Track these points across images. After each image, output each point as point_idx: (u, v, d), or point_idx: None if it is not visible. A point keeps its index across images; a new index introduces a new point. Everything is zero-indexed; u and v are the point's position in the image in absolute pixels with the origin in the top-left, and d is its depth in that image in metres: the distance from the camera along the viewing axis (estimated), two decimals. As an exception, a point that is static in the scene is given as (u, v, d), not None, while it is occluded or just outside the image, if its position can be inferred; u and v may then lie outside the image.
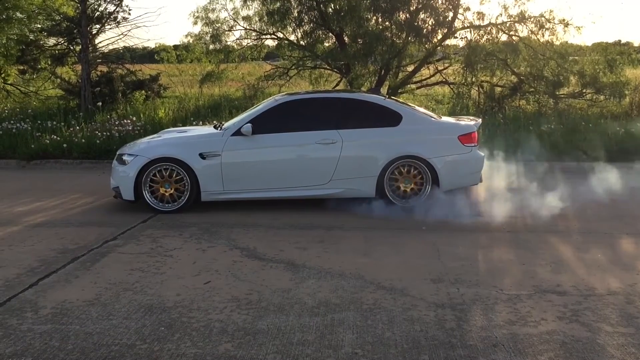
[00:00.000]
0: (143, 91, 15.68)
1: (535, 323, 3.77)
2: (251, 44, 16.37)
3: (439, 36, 14.38)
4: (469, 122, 7.42)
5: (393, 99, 8.15)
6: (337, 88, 14.79)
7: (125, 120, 12.16)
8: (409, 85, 15.40)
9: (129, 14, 19.03)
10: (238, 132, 6.92)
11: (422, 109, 7.93)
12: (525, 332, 3.64)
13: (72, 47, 16.38)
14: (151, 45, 20.29)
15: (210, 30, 15.81)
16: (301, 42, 15.47)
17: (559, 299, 4.16)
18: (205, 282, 4.56)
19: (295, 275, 4.70)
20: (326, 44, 15.80)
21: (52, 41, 17.08)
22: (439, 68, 15.67)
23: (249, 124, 6.92)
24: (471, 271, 4.76)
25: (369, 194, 6.91)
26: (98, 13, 15.60)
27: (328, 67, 15.86)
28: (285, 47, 16.30)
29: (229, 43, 16.25)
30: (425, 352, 3.39)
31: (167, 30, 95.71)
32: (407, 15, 13.86)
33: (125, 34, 16.43)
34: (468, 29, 14.29)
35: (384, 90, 13.75)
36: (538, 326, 3.72)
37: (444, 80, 15.59)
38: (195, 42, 16.43)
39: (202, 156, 6.85)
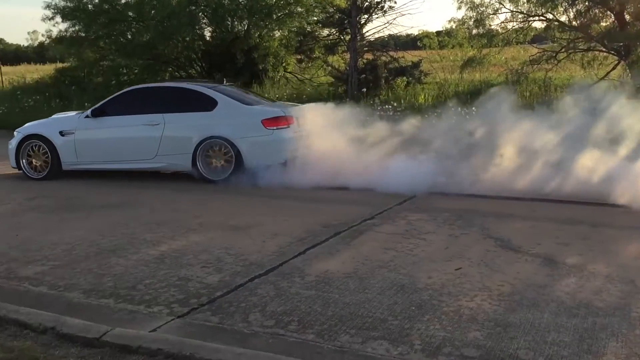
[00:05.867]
0: (404, 77, 16.13)
1: None
2: (517, 26, 15.69)
3: None
4: (283, 107, 8.51)
5: (233, 85, 9.72)
6: (612, 72, 13.37)
7: (386, 106, 12.67)
8: None
9: (395, 2, 19.62)
10: (88, 115, 8.63)
11: (253, 96, 9.33)
12: None
13: (342, 37, 17.56)
14: (414, 32, 20.69)
15: (474, 14, 15.56)
16: (573, 23, 14.33)
17: None
18: (457, 268, 4.56)
19: (554, 272, 4.43)
20: (603, 24, 14.37)
21: (325, 32, 18.54)
22: None
23: (90, 110, 8.69)
24: None
25: (187, 167, 8.19)
26: (367, 3, 16.45)
27: (604, 50, 14.42)
28: (554, 29, 15.26)
29: (492, 27, 15.82)
30: None
31: (430, 16, 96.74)
32: None
33: (391, 22, 17.00)
34: None
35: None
36: None
37: None
38: (458, 27, 16.34)
39: (62, 134, 8.67)
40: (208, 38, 19.14)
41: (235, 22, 18.64)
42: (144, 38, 17.69)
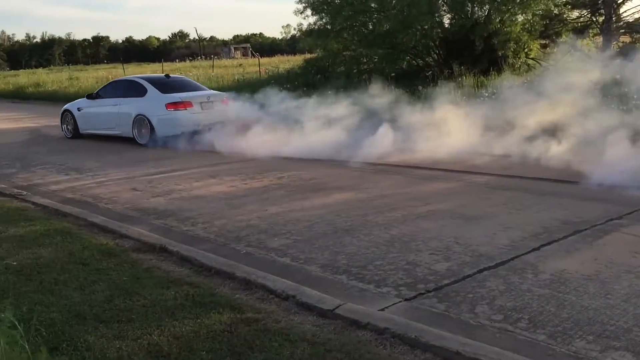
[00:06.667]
0: (670, 62, 14.17)
1: None
2: None
3: None
4: (182, 95, 12.01)
5: (172, 76, 14.07)
6: None
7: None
8: None
9: (662, -24, 17.33)
10: (88, 97, 13.55)
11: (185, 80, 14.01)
12: None
13: (594, 19, 16.06)
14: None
15: None
16: None
17: None
18: None
19: None
20: None
21: (574, 14, 17.12)
22: None
23: (87, 95, 13.91)
24: None
25: (129, 134, 12.22)
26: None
27: None
28: None
29: None
30: None
31: None
32: None
33: (655, 0, 15.07)
34: None
35: None
36: None
37: None
38: None
39: (78, 109, 13.56)
40: (446, 25, 18.99)
41: (476, 8, 18.18)
42: (384, 28, 18.22)
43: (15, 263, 4.68)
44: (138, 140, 12.09)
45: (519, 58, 18.25)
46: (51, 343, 3.30)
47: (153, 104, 11.97)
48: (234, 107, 12.34)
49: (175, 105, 11.79)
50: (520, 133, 8.96)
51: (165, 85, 12.63)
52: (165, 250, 5.05)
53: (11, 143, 13.63)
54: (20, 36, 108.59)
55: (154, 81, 12.87)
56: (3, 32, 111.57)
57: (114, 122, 12.62)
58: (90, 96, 13.57)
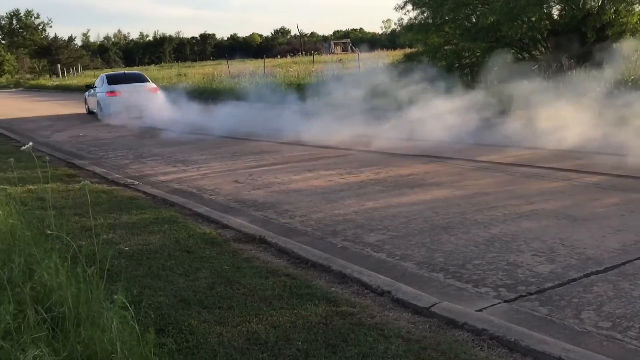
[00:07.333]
0: None
1: None
2: None
3: None
4: (114, 86, 18.78)
5: (127, 72, 22.03)
6: None
7: None
8: None
9: None
10: (89, 87, 21.50)
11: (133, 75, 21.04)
12: None
13: None
14: None
15: None
16: None
17: None
18: None
19: None
20: None
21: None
22: None
23: (86, 85, 23.73)
24: None
25: (98, 111, 19.04)
26: None
27: None
28: None
29: None
30: None
31: None
32: None
33: None
34: None
35: None
36: None
37: None
38: None
39: (88, 95, 20.95)
40: (555, 17, 18.07)
41: (589, -2, 17.17)
42: (488, 20, 17.63)
43: (127, 248, 5.00)
44: (99, 116, 18.81)
45: (637, 51, 17.04)
46: (158, 325, 3.50)
47: (103, 92, 18.77)
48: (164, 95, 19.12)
49: (109, 93, 18.53)
50: (636, 131, 8.41)
51: (115, 79, 19.39)
52: (264, 241, 5.20)
53: (125, 136, 14.55)
54: (134, 35, 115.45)
55: (109, 76, 19.85)
56: (119, 31, 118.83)
57: (94, 105, 19.51)
58: (89, 86, 21.30)
